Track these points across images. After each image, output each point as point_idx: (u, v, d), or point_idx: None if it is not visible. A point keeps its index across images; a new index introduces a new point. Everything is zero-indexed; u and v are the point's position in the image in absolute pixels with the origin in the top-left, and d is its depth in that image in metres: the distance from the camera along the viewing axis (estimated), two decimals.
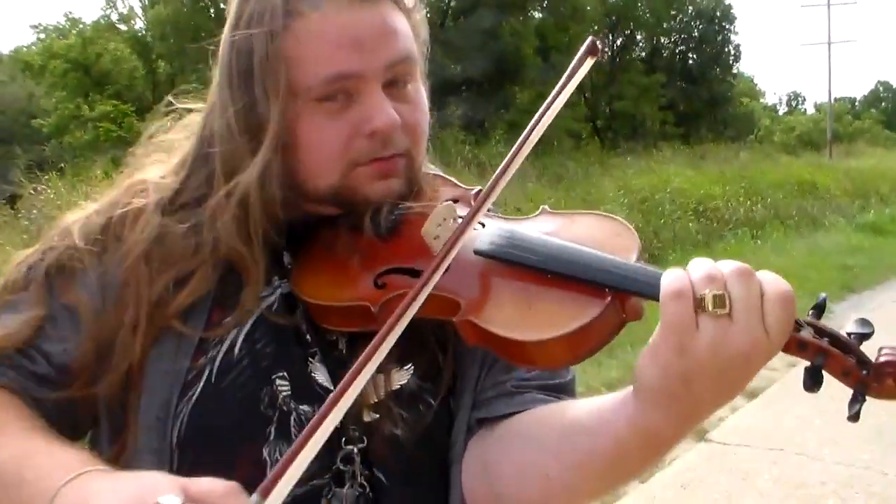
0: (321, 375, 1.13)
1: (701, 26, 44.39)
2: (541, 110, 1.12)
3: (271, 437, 1.10)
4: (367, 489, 1.13)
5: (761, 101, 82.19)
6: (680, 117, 39.59)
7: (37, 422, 1.07)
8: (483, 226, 1.12)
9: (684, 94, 41.43)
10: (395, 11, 1.14)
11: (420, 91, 1.19)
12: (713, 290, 0.90)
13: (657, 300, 0.93)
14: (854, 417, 0.97)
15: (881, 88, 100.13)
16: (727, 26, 45.41)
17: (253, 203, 1.11)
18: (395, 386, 1.15)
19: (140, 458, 1.08)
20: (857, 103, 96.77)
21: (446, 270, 1.03)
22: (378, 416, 1.13)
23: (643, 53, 42.46)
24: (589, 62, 1.14)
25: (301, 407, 1.10)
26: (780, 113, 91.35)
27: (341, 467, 1.11)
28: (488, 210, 1.13)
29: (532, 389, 1.19)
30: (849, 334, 0.98)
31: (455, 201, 1.15)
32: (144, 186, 1.18)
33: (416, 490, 1.17)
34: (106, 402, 1.12)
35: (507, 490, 1.14)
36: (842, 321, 10.11)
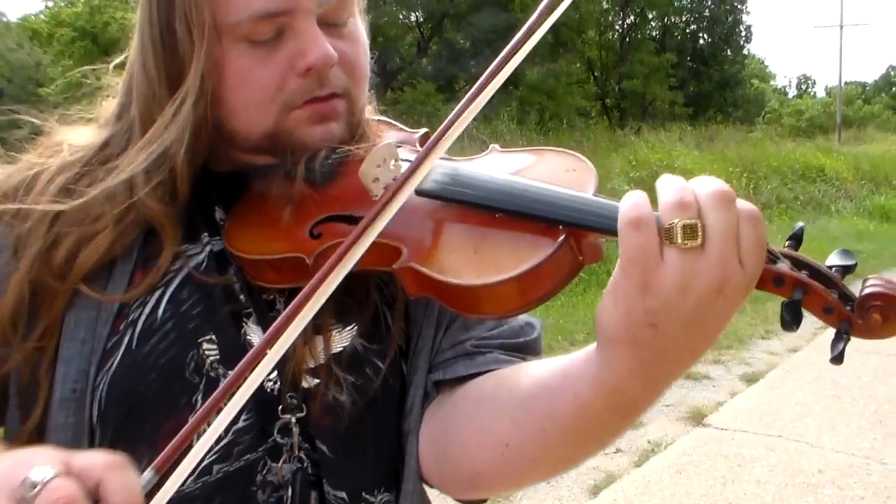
0: (256, 337, 1.03)
1: (713, 6, 44.14)
2: (508, 47, 0.97)
3: (198, 407, 0.98)
4: (307, 463, 1.03)
5: (772, 83, 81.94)
6: (689, 98, 39.41)
7: None
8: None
9: (694, 75, 41.31)
10: None
11: (359, 26, 1.09)
12: (684, 219, 0.78)
13: (615, 236, 0.82)
14: (838, 359, 0.85)
15: (893, 73, 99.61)
16: (739, 6, 45.16)
17: (174, 156, 1.00)
18: (337, 348, 1.04)
19: (54, 436, 0.98)
20: (867, 88, 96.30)
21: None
22: (318, 381, 1.02)
23: (654, 33, 42.24)
24: None
25: (230, 372, 0.93)
26: (791, 96, 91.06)
27: (278, 440, 1.02)
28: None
29: (493, 349, 1.09)
30: (830, 267, 0.87)
31: (399, 145, 1.04)
32: (59, 147, 1.08)
33: (363, 462, 1.07)
34: (17, 375, 1.01)
35: (463, 460, 1.04)
36: None
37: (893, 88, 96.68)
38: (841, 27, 45.40)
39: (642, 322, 0.80)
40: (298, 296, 0.82)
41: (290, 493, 1.01)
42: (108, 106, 1.12)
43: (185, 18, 0.97)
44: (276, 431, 1.01)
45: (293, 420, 1.02)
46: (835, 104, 48.90)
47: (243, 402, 0.78)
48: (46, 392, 0.99)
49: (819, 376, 6.93)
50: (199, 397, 0.99)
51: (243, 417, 0.99)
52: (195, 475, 0.96)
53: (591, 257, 0.90)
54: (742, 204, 0.81)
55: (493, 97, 0.96)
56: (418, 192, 0.95)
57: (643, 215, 0.79)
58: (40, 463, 0.71)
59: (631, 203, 0.80)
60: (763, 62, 78.82)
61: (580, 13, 30.64)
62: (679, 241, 0.77)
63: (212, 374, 1.00)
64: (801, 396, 6.46)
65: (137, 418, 0.97)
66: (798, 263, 0.86)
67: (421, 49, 28.71)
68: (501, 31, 26.29)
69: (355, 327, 1.05)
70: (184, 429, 0.77)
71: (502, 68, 0.95)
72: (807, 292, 0.84)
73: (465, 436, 1.03)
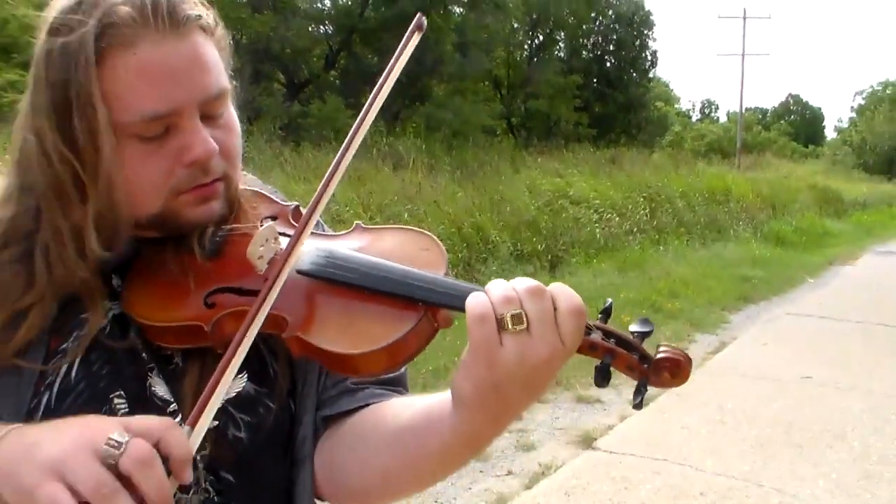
0: (160, 388, 1.15)
1: (620, 31, 44.87)
2: (375, 90, 1.18)
3: None
4: (213, 493, 1.16)
5: (676, 106, 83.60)
6: (594, 119, 39.89)
7: None
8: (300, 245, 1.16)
9: (600, 97, 41.80)
10: (204, 38, 1.15)
11: (232, 114, 1.21)
12: (511, 310, 0.98)
13: (464, 311, 1.00)
14: (638, 406, 1.08)
15: (791, 101, 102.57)
16: (646, 32, 45.96)
17: (84, 245, 1.12)
18: (233, 393, 1.17)
19: None
20: (768, 114, 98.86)
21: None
22: (218, 422, 1.14)
23: (562, 54, 42.72)
24: (416, 37, 1.22)
25: None
26: (694, 119, 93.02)
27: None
28: (315, 229, 1.20)
29: (370, 385, 1.27)
30: (632, 333, 1.07)
31: (274, 218, 1.23)
32: None
33: (262, 487, 1.21)
34: None
35: (353, 484, 1.23)
36: (737, 332, 10.38)
37: (792, 116, 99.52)
38: (743, 56, 46.70)
39: (488, 389, 1.00)
40: (220, 365, 1.01)
41: None
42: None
43: (81, 115, 1.07)
44: None
45: (198, 458, 1.12)
46: (735, 129, 50.21)
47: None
48: None
49: (706, 401, 7.18)
50: None
51: None
52: None
53: (445, 324, 1.08)
54: (565, 295, 1.01)
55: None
56: (300, 272, 1.10)
57: (485, 312, 0.98)
58: (109, 428, 0.89)
59: (475, 301, 0.99)
60: (668, 85, 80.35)
61: (489, 32, 30.89)
62: (510, 327, 0.97)
63: None
64: (688, 421, 6.69)
65: None
66: (607, 334, 1.06)
67: (329, 62, 28.63)
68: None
69: (245, 374, 1.19)
70: (199, 400, 0.99)
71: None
72: (614, 357, 1.05)
73: (350, 466, 1.22)
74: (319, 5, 28.07)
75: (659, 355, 1.05)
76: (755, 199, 23.64)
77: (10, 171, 1.18)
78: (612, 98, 42.22)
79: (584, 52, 43.95)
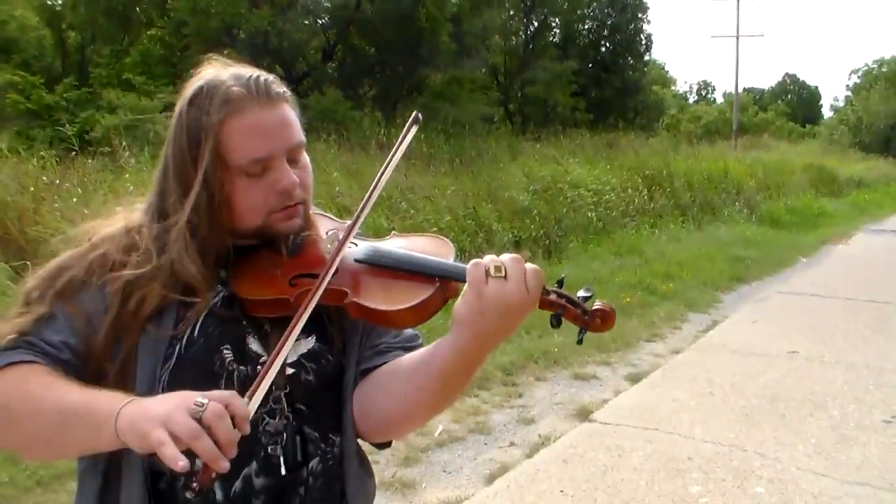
0: (255, 346, 1.63)
1: (614, 15, 45.03)
2: (379, 172, 1.65)
3: (223, 388, 1.55)
4: (291, 419, 1.63)
5: (672, 88, 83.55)
6: (591, 104, 40.07)
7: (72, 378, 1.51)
8: (356, 245, 1.67)
9: (596, 82, 41.94)
10: (287, 104, 1.66)
11: (306, 158, 1.71)
12: (496, 264, 1.46)
13: (465, 281, 1.48)
14: (580, 342, 1.56)
15: (788, 81, 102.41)
16: (640, 15, 46.08)
17: (204, 247, 1.62)
18: (305, 350, 1.66)
19: None
20: (764, 94, 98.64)
21: (335, 273, 1.56)
22: (294, 370, 1.63)
23: (557, 40, 42.91)
24: (414, 129, 1.69)
25: (240, 367, 1.60)
26: (691, 101, 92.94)
27: (272, 406, 1.61)
28: (359, 235, 1.71)
29: (396, 349, 1.75)
30: (579, 297, 1.54)
31: (334, 231, 1.72)
32: (133, 232, 1.65)
33: (324, 415, 1.69)
34: (110, 378, 1.55)
35: (380, 411, 1.69)
36: (729, 311, 10.75)
37: (789, 95, 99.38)
38: (737, 37, 46.88)
39: (476, 312, 1.47)
40: (294, 318, 1.50)
41: (284, 437, 1.61)
42: (139, 201, 1.74)
43: (209, 162, 1.58)
44: (270, 401, 1.61)
45: (282, 395, 1.62)
46: (731, 111, 50.36)
47: (278, 367, 1.46)
48: (131, 386, 1.53)
49: (696, 376, 7.59)
50: (222, 383, 1.58)
51: None
52: None
53: (453, 293, 1.57)
54: (532, 264, 1.50)
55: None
56: (357, 261, 1.63)
57: (479, 262, 1.48)
58: (195, 396, 1.34)
59: (473, 261, 1.48)
60: (664, 68, 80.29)
61: (484, 21, 31.16)
62: (493, 273, 1.46)
63: (229, 368, 1.60)
64: (678, 394, 7.08)
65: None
66: (560, 295, 1.54)
67: (326, 54, 28.90)
68: (407, 40, 26.71)
69: (313, 336, 1.68)
70: (255, 380, 1.42)
71: (378, 184, 1.65)
72: (564, 310, 1.53)
73: (377, 399, 1.69)
74: None
75: (594, 307, 1.53)
76: (751, 181, 23.87)
77: (150, 198, 1.69)
78: (609, 83, 42.35)
79: (579, 38, 44.10)
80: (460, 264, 1.56)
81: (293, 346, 1.57)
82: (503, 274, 1.45)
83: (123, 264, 1.59)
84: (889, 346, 8.85)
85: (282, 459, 1.62)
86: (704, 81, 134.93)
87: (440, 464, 5.61)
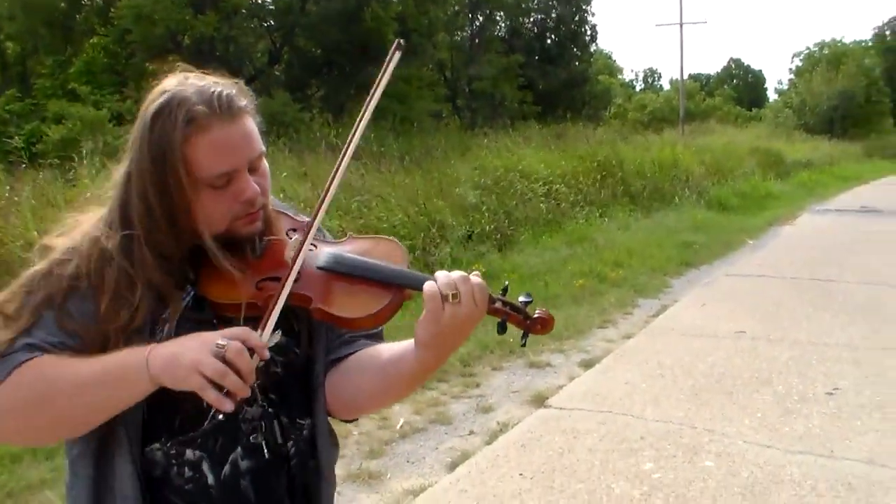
0: None
1: (559, 7, 45.34)
2: (364, 108, 1.76)
3: None
4: (267, 406, 1.80)
5: (619, 77, 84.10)
6: (538, 97, 40.33)
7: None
8: (315, 247, 1.81)
9: (543, 74, 42.13)
10: (248, 117, 1.75)
11: (265, 164, 1.81)
12: (450, 291, 1.62)
13: (420, 291, 1.65)
14: (524, 345, 1.79)
15: (733, 66, 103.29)
16: (584, 7, 46.44)
17: (170, 253, 1.75)
18: (273, 343, 1.76)
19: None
20: (711, 79, 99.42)
21: (299, 279, 1.70)
22: (263, 363, 1.73)
23: (502, 34, 43.13)
24: (397, 56, 1.77)
25: None
26: (638, 89, 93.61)
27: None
28: (319, 235, 1.85)
29: (360, 338, 1.92)
30: (520, 302, 1.74)
31: (294, 230, 1.87)
32: (100, 243, 1.74)
33: (294, 401, 1.85)
34: None
35: (350, 400, 1.88)
36: (679, 295, 11.01)
37: (734, 80, 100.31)
38: (681, 25, 47.39)
39: (435, 335, 1.65)
40: (268, 309, 1.66)
41: (262, 423, 1.78)
42: (99, 211, 1.82)
43: (173, 174, 1.68)
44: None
45: (255, 385, 1.70)
46: (677, 98, 50.94)
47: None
48: None
49: (647, 359, 7.84)
50: None
51: None
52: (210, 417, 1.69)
53: (407, 298, 1.74)
54: (477, 280, 1.66)
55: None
56: (318, 268, 1.77)
57: (435, 293, 1.63)
58: (215, 337, 1.55)
59: (429, 286, 1.64)
60: (610, 57, 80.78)
61: (429, 18, 31.30)
62: (450, 300, 1.62)
63: None
64: (629, 377, 7.31)
65: (167, 394, 1.62)
66: (504, 303, 1.73)
67: (273, 57, 28.90)
68: (353, 40, 26.77)
69: (280, 331, 1.77)
70: (266, 312, 1.65)
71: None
72: (508, 317, 1.73)
73: (350, 389, 1.87)
74: (260, 1, 28.34)
75: (535, 315, 1.73)
76: (700, 167, 24.16)
77: (112, 207, 1.78)
78: (555, 74, 42.58)
79: (524, 31, 44.37)
80: (415, 273, 1.73)
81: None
82: (458, 299, 1.62)
83: (100, 277, 1.69)
84: (832, 323, 9.19)
85: (264, 444, 1.78)
86: (651, 69, 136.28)
87: (404, 454, 5.79)
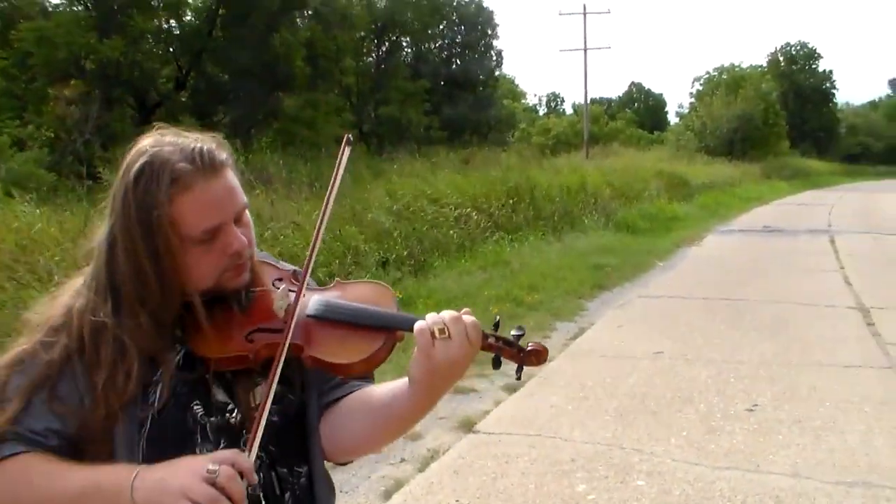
0: (220, 395, 1.74)
1: (465, 33, 45.75)
2: (324, 203, 1.79)
3: (199, 442, 1.70)
4: (264, 457, 1.76)
5: (523, 101, 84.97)
6: (445, 121, 40.54)
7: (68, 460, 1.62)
8: (304, 296, 1.78)
9: (449, 99, 42.40)
10: (230, 170, 1.74)
11: (248, 215, 1.79)
12: (438, 326, 1.64)
13: (412, 331, 1.66)
14: (519, 378, 1.77)
15: (634, 90, 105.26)
16: (490, 32, 46.96)
17: (161, 314, 1.72)
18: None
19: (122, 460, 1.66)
20: (612, 104, 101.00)
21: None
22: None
23: (409, 59, 43.29)
24: (348, 150, 1.81)
25: (211, 419, 1.72)
26: (542, 113, 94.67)
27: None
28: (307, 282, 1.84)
29: (351, 380, 1.89)
30: (513, 336, 1.75)
31: (280, 280, 1.86)
32: (90, 314, 1.71)
33: (290, 450, 1.82)
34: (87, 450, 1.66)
35: (346, 442, 1.87)
36: (594, 317, 11.14)
37: (636, 104, 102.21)
38: (585, 50, 48.19)
39: (428, 372, 1.67)
40: (267, 381, 1.66)
41: (261, 474, 1.72)
42: (76, 279, 1.81)
43: (161, 237, 1.66)
44: (242, 443, 1.70)
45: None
46: (581, 122, 51.68)
47: (263, 425, 1.62)
48: (114, 450, 1.66)
49: (570, 381, 7.93)
50: (198, 436, 1.71)
51: (222, 441, 1.71)
52: None
53: (399, 340, 1.76)
54: (470, 318, 1.68)
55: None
56: (308, 316, 1.77)
57: (424, 328, 1.65)
58: (204, 462, 1.52)
59: (419, 324, 1.67)
60: (514, 81, 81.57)
61: (337, 43, 31.31)
62: (438, 336, 1.64)
63: (202, 422, 1.72)
64: (554, 400, 7.39)
65: (165, 454, 1.63)
66: (497, 338, 1.75)
67: (179, 83, 28.54)
68: (261, 65, 26.59)
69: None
70: (252, 432, 1.60)
71: (324, 215, 1.79)
72: (501, 351, 1.74)
73: (344, 432, 1.86)
74: (167, 25, 27.96)
75: (528, 348, 1.75)
76: (607, 190, 24.48)
77: (97, 270, 1.75)
78: (462, 99, 42.84)
79: (430, 56, 44.63)
80: (404, 315, 1.76)
81: (256, 390, 1.76)
82: (447, 335, 1.63)
83: (95, 352, 1.67)
84: (743, 341, 9.45)
85: (261, 495, 1.75)
86: (554, 93, 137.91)
87: (337, 484, 5.68)
